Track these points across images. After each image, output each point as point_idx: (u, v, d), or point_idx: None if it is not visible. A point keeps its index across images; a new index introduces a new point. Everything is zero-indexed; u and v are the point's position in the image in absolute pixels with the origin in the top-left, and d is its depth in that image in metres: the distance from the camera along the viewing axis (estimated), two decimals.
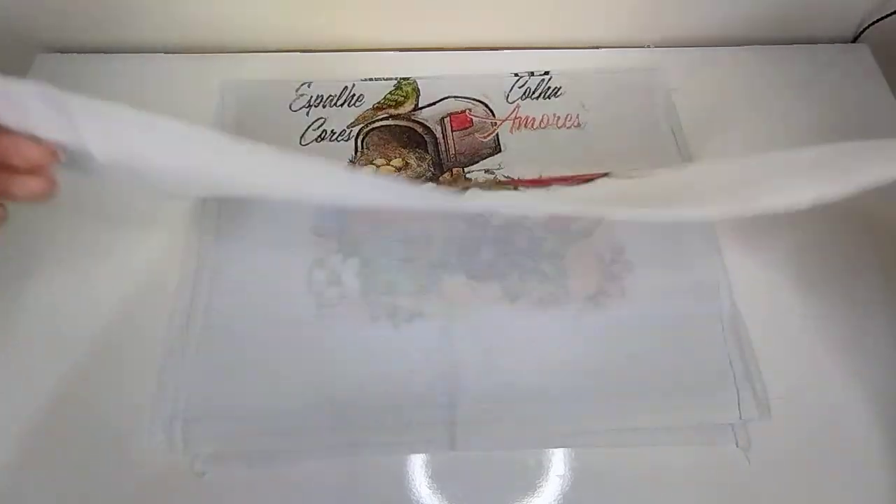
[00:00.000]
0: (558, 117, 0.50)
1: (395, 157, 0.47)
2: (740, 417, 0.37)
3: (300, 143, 0.48)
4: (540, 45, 0.53)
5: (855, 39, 0.54)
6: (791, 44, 0.54)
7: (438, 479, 0.37)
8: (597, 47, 0.54)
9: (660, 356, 0.39)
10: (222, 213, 0.44)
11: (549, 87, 0.51)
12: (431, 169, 0.47)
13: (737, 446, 0.37)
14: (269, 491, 0.36)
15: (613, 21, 0.52)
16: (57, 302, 0.41)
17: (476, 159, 0.48)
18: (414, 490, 0.36)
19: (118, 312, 0.40)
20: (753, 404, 0.38)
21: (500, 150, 0.48)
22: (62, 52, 0.52)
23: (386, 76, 0.51)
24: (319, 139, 0.48)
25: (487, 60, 0.53)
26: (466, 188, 0.45)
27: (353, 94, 0.50)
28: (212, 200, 0.44)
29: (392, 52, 0.53)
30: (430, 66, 0.52)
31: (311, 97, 0.50)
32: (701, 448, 0.37)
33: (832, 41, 0.54)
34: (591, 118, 0.50)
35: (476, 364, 0.39)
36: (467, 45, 0.53)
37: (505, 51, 0.53)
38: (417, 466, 0.37)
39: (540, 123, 0.49)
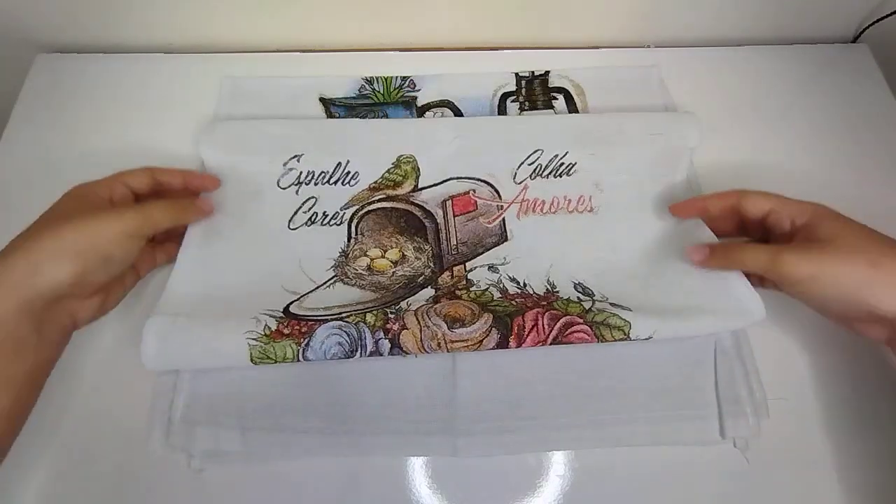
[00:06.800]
0: (569, 200, 0.45)
1: (392, 247, 0.43)
2: (722, 438, 0.37)
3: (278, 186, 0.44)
4: (540, 45, 0.53)
5: (855, 39, 0.54)
6: (791, 44, 0.54)
7: (439, 479, 0.37)
8: (597, 47, 0.54)
9: (652, 373, 0.39)
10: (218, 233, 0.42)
11: (561, 164, 0.45)
12: (431, 264, 0.42)
13: (734, 447, 0.37)
14: (270, 489, 0.37)
15: (613, 21, 0.52)
16: None
17: (480, 250, 0.43)
18: (414, 490, 0.37)
19: (118, 312, 0.41)
20: (741, 426, 0.37)
21: (506, 238, 0.43)
22: (62, 52, 0.52)
23: (386, 75, 0.51)
24: (310, 222, 0.44)
25: (487, 60, 0.53)
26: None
27: (348, 172, 0.45)
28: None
29: (392, 52, 0.53)
30: (430, 65, 0.52)
31: (301, 173, 0.45)
32: (700, 448, 0.38)
33: (832, 41, 0.54)
34: (604, 200, 0.44)
35: (476, 372, 0.39)
36: (467, 45, 0.53)
37: (505, 51, 0.53)
38: (418, 466, 0.37)
39: (550, 208, 0.45)
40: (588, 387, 0.38)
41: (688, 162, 0.45)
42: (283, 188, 0.44)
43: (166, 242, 0.41)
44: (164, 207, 0.36)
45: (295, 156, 0.45)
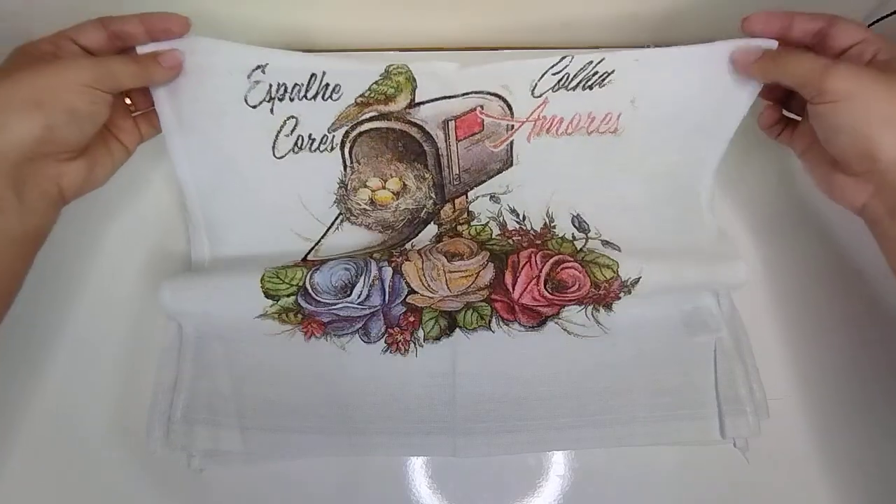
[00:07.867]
0: (593, 118, 0.39)
1: (392, 176, 0.41)
2: (722, 438, 0.37)
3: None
4: (540, 45, 0.53)
5: None
6: None
7: (438, 478, 0.37)
8: (596, 47, 0.54)
9: (652, 373, 0.39)
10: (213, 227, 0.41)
11: (595, 73, 0.37)
12: (432, 195, 0.41)
13: (734, 447, 0.37)
14: (270, 489, 0.37)
15: (612, 21, 0.52)
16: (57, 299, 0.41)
17: (482, 178, 0.41)
18: (414, 490, 0.37)
19: (116, 309, 0.41)
20: (741, 426, 0.37)
21: (511, 164, 0.41)
22: None
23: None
24: (297, 148, 0.39)
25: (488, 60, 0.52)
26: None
27: (327, 84, 0.37)
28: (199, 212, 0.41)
29: (392, 52, 0.53)
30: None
31: (272, 86, 0.37)
32: (700, 448, 0.38)
33: None
34: (635, 118, 0.39)
35: (476, 372, 0.39)
36: (467, 45, 0.53)
37: (505, 51, 0.53)
38: (418, 466, 0.37)
39: (567, 128, 0.39)
40: (588, 387, 0.38)
41: (751, 98, 0.38)
42: (253, 106, 0.37)
43: (150, 113, 0.38)
44: (123, 60, 0.33)
45: (259, 66, 0.36)
